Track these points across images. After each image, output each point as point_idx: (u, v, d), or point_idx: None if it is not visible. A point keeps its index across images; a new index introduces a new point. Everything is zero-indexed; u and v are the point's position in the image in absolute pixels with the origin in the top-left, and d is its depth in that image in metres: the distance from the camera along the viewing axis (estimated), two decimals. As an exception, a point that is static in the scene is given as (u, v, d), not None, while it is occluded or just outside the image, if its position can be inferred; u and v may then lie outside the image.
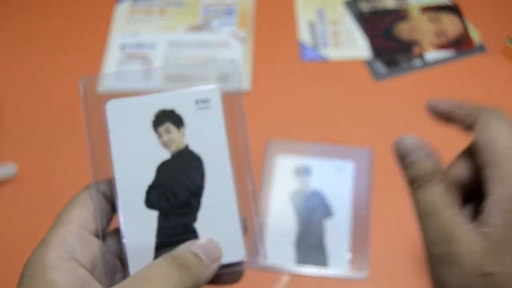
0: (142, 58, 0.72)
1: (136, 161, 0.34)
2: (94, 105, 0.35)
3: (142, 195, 0.34)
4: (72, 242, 0.31)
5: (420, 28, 0.72)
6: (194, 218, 0.34)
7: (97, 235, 0.33)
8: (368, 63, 0.69)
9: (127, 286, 0.30)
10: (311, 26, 0.74)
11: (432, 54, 0.69)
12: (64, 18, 0.77)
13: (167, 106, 0.35)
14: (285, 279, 0.53)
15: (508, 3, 0.74)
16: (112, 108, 0.35)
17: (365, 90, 0.67)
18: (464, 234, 0.31)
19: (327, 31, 0.73)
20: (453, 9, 0.73)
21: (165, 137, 0.35)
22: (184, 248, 0.32)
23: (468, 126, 0.37)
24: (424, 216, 0.35)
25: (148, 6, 0.77)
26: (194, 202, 0.35)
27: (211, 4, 0.77)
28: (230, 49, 0.71)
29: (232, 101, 0.36)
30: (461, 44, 0.70)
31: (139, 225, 0.34)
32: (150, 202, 0.34)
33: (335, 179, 0.59)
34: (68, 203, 0.34)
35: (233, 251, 0.34)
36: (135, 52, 0.72)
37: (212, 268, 0.32)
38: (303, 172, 0.59)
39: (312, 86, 0.68)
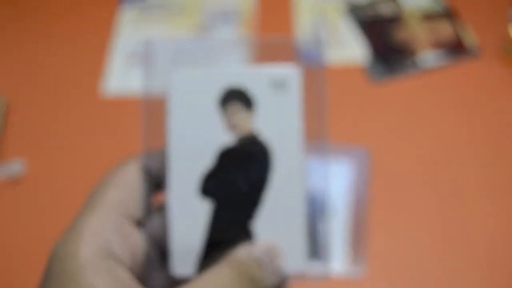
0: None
1: (194, 142, 0.29)
2: (156, 71, 0.31)
3: (196, 181, 0.29)
4: (108, 234, 0.25)
5: (417, 34, 0.74)
6: (252, 215, 0.29)
7: (136, 223, 0.28)
8: (367, 68, 0.71)
9: None
10: (311, 29, 0.75)
11: (428, 60, 0.71)
12: (70, 20, 0.78)
13: (238, 83, 0.30)
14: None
15: (503, 10, 0.75)
16: (178, 79, 0.30)
17: (363, 93, 0.69)
18: None
19: (327, 34, 0.74)
20: (449, 16, 0.75)
21: (232, 119, 0.30)
22: (246, 253, 0.27)
23: None
24: None
25: (151, 10, 0.78)
26: (255, 197, 0.30)
27: (213, 8, 0.78)
28: (231, 50, 0.72)
29: (313, 89, 0.31)
30: (457, 49, 0.72)
31: (188, 215, 0.29)
32: (205, 190, 0.29)
33: (334, 179, 0.60)
34: (104, 181, 0.28)
35: (292, 259, 0.29)
36: (139, 54, 0.73)
37: (275, 280, 0.27)
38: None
39: (312, 89, 0.69)
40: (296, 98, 0.30)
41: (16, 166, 0.62)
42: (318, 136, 0.31)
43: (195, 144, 0.30)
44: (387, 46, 0.73)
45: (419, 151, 0.63)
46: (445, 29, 0.74)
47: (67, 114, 0.68)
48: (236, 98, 0.30)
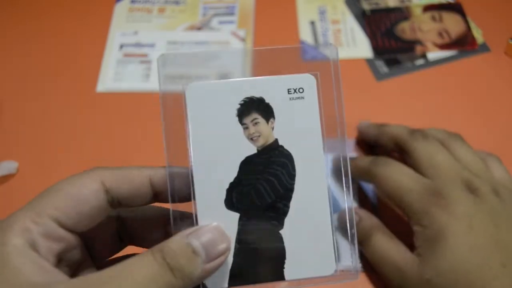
0: (141, 57, 0.71)
1: (216, 155, 0.30)
2: (172, 86, 0.31)
3: (222, 194, 0.30)
4: (36, 236, 0.27)
5: (423, 27, 0.71)
6: (280, 223, 0.30)
7: (70, 230, 0.29)
8: (370, 63, 0.68)
9: (104, 280, 0.25)
10: (312, 25, 0.73)
11: (434, 54, 0.69)
12: (63, 16, 0.76)
13: (255, 93, 0.31)
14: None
15: (511, 3, 0.73)
16: (193, 93, 0.30)
17: (367, 89, 0.66)
18: (406, 263, 0.42)
19: (328, 30, 0.72)
20: (456, 8, 0.73)
21: (252, 129, 0.30)
22: (181, 240, 0.27)
23: (367, 182, 0.53)
24: (376, 264, 0.46)
25: (147, 5, 0.76)
26: (282, 206, 0.30)
27: (211, 3, 0.76)
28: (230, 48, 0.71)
29: (327, 90, 0.33)
30: (464, 43, 0.69)
31: None
32: (232, 202, 0.30)
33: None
34: (60, 184, 0.30)
35: (322, 264, 0.30)
36: (134, 51, 0.71)
37: (212, 266, 0.28)
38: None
39: (314, 85, 0.67)
40: (314, 104, 0.31)
41: (9, 164, 0.61)
42: (336, 135, 0.33)
43: (218, 158, 0.30)
44: (391, 39, 0.70)
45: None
46: (453, 22, 0.71)
47: (60, 111, 0.66)
48: (254, 108, 0.30)
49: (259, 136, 0.30)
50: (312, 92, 0.32)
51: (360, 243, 0.47)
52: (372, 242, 0.46)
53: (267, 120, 0.31)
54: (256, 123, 0.30)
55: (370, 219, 0.48)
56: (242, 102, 0.30)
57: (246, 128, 0.30)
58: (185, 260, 0.26)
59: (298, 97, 0.31)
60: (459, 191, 0.43)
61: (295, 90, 0.31)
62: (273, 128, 0.31)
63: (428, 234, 0.42)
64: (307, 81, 0.32)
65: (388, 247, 0.45)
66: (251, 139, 0.30)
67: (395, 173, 0.46)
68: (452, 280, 0.39)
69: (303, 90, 0.31)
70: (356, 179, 0.53)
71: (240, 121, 0.30)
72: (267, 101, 0.31)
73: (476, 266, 0.39)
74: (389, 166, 0.47)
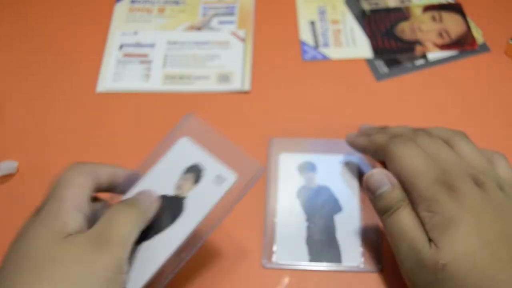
0: (140, 57, 0.71)
1: (156, 186, 0.44)
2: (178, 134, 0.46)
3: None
4: (68, 222, 0.39)
5: (423, 27, 0.71)
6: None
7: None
8: (370, 63, 0.68)
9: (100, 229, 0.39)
10: (312, 25, 0.73)
11: (434, 54, 0.69)
12: (64, 16, 0.76)
13: (202, 165, 0.44)
14: (297, 275, 0.52)
15: (511, 3, 0.73)
16: (180, 145, 0.45)
17: (367, 89, 0.66)
18: (424, 245, 0.42)
19: (328, 30, 0.72)
20: (456, 8, 0.73)
21: (181, 181, 0.44)
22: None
23: (380, 159, 0.51)
24: (396, 238, 0.45)
25: (147, 5, 0.76)
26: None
27: (211, 3, 0.76)
28: (230, 49, 0.71)
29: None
30: (464, 44, 0.69)
31: None
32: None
33: (341, 173, 0.58)
34: (62, 179, 0.42)
35: None
36: (134, 51, 0.71)
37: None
38: (307, 168, 0.58)
39: (314, 85, 0.67)
40: (221, 193, 0.43)
41: (9, 164, 0.61)
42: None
43: (156, 188, 0.44)
44: (391, 39, 0.70)
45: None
46: (453, 22, 0.72)
47: (60, 111, 0.66)
48: (194, 171, 0.44)
49: (181, 188, 0.44)
50: (227, 185, 0.43)
51: (384, 212, 0.46)
52: (399, 215, 0.45)
53: (193, 184, 0.44)
54: (186, 180, 0.44)
55: (401, 192, 0.46)
56: (190, 166, 0.44)
57: (180, 179, 0.44)
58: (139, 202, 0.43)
59: (219, 182, 0.43)
60: (468, 184, 0.43)
61: (217, 177, 0.43)
62: (190, 190, 0.43)
63: (438, 220, 0.42)
64: (229, 177, 0.43)
65: (413, 225, 0.44)
66: (177, 187, 0.44)
67: (411, 154, 0.46)
68: (467, 267, 0.39)
69: (221, 181, 0.43)
70: (371, 156, 0.53)
71: (184, 173, 0.44)
72: (203, 173, 0.44)
73: (486, 256, 0.39)
74: (406, 146, 0.47)
